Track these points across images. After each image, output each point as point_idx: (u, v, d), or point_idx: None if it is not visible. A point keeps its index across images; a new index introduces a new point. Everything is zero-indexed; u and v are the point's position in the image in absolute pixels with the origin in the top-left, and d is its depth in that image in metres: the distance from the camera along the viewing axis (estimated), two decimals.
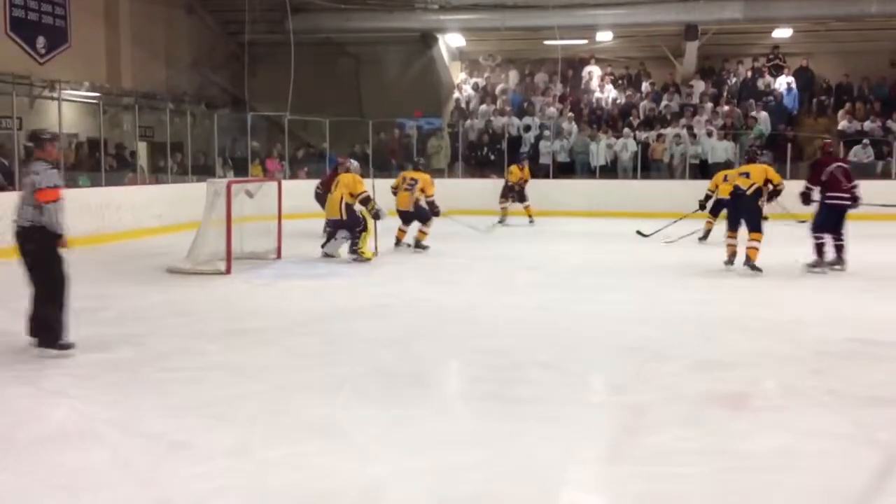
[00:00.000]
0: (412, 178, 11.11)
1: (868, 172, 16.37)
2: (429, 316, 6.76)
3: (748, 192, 8.66)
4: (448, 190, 14.02)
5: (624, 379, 4.87)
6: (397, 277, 8.85)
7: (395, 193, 11.12)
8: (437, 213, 11.06)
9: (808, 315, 6.72)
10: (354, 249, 9.69)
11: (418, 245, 10.90)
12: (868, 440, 3.79)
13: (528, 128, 19.19)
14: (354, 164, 10.34)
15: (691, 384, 4.67)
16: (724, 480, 3.31)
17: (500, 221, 14.95)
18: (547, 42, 19.59)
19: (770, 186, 8.78)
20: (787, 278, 8.54)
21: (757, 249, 8.54)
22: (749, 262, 8.55)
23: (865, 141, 17.21)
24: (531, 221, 15.21)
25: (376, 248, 9.99)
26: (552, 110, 19.58)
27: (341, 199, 9.59)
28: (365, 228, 9.71)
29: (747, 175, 8.74)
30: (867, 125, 17.94)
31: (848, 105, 18.63)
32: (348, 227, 9.70)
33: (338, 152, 15.49)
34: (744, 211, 8.71)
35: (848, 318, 6.60)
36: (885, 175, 16.93)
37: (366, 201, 9.61)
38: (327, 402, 4.30)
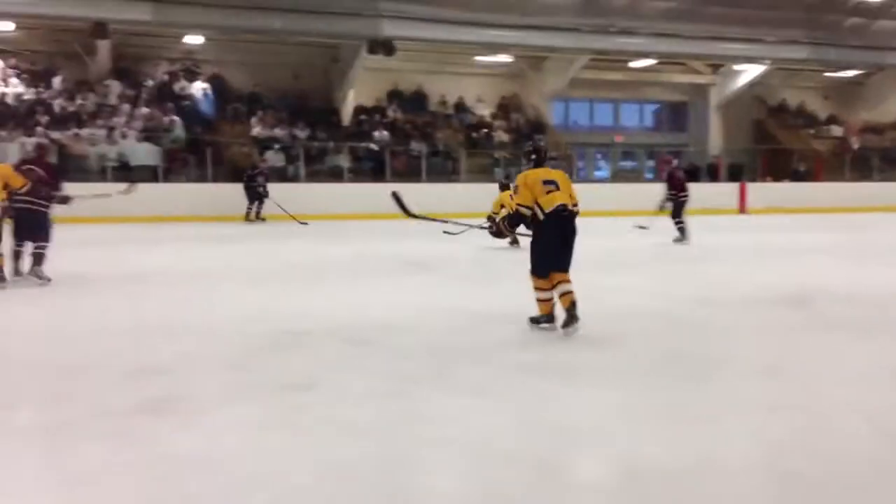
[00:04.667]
0: None
1: (281, 175, 18.99)
2: None
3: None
4: None
5: (41, 397, 4.34)
6: None
7: None
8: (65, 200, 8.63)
9: (235, 312, 6.80)
10: None
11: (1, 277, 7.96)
12: (285, 425, 3.84)
13: None
14: None
15: (117, 395, 4.31)
16: (155, 487, 3.09)
17: None
18: None
19: None
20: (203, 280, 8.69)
21: None
22: None
23: (277, 146, 19.62)
24: None
25: None
26: None
27: None
28: None
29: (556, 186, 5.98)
30: (277, 132, 20.19)
31: (260, 113, 20.46)
32: None
33: None
34: None
35: (270, 312, 6.75)
36: (295, 178, 19.29)
37: None
38: None
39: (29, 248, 8.34)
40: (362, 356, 5.31)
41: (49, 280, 8.23)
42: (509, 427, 3.83)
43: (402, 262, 10.22)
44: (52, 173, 8.66)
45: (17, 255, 8.38)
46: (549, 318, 5.99)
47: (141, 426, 3.80)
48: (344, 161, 20.12)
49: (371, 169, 20.14)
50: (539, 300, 5.96)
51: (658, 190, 13.39)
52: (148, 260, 10.25)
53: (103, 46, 19.19)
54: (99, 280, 8.65)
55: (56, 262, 8.53)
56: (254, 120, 20.19)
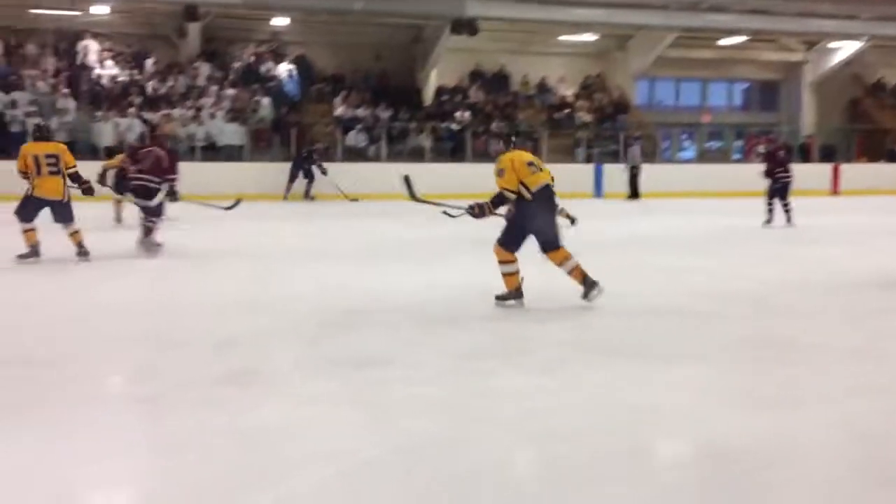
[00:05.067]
0: (50, 154, 8.09)
1: (363, 155, 19.28)
2: None
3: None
4: None
5: (136, 368, 4.56)
6: None
7: (26, 177, 8.05)
8: (90, 191, 8.55)
9: (312, 288, 6.91)
10: None
11: (83, 251, 8.16)
12: (358, 400, 3.92)
13: (15, 103, 17.46)
14: None
15: (203, 367, 4.48)
16: (238, 455, 3.18)
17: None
18: (34, 11, 18.65)
19: None
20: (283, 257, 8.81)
21: None
22: None
23: (359, 126, 19.68)
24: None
25: None
26: (44, 85, 18.16)
27: None
28: None
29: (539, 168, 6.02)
30: (360, 112, 20.18)
31: (343, 93, 20.57)
32: None
33: None
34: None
35: (346, 289, 6.88)
36: (377, 158, 19.17)
37: None
38: None
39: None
40: (435, 334, 5.34)
41: (159, 246, 8.77)
42: (581, 406, 3.81)
43: (477, 242, 10.21)
44: (169, 157, 9.21)
45: (147, 230, 8.92)
46: (517, 293, 5.97)
47: (226, 397, 3.91)
48: (425, 141, 20.19)
49: (451, 149, 20.18)
50: (506, 274, 5.95)
51: (748, 171, 13.05)
52: (231, 237, 10.49)
53: (193, 29, 19.60)
54: (184, 256, 8.92)
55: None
56: (337, 100, 20.41)
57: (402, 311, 5.98)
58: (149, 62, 19.77)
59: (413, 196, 7.60)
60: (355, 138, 19.53)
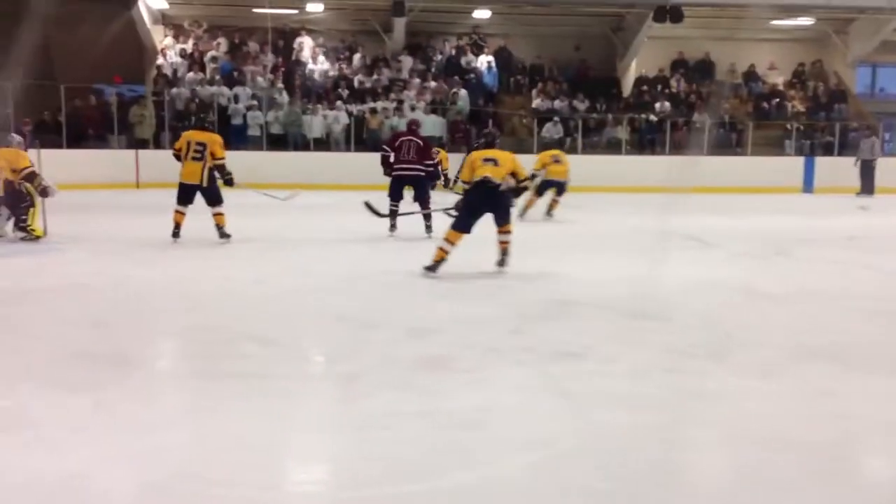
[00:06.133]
0: (199, 142, 8.70)
1: (558, 147, 17.66)
2: (135, 293, 6.27)
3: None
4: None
5: (338, 348, 4.78)
6: (97, 254, 8.15)
7: (179, 159, 8.79)
8: (230, 182, 8.86)
9: (512, 278, 6.88)
10: (23, 227, 8.79)
11: (222, 233, 8.75)
12: (556, 391, 3.95)
13: (237, 98, 18.63)
14: (17, 138, 9.30)
15: (403, 350, 4.64)
16: (435, 438, 3.28)
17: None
18: (256, 10, 19.54)
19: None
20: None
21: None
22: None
23: (556, 118, 19.28)
24: None
25: (45, 226, 8.99)
26: (263, 80, 19.20)
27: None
28: (32, 205, 8.78)
29: (495, 163, 7.08)
30: (557, 104, 20.03)
31: (540, 85, 20.52)
32: (9, 204, 8.82)
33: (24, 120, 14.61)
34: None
35: (545, 279, 6.96)
36: (572, 150, 17.57)
37: (30, 178, 8.69)
38: (9, 391, 3.83)
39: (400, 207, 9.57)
40: (635, 328, 5.27)
41: (431, 234, 9.23)
42: (789, 412, 3.63)
43: (678, 237, 9.90)
44: (424, 145, 9.69)
45: (392, 214, 9.53)
46: (436, 266, 6.80)
47: (422, 380, 4.06)
48: (622, 133, 19.77)
49: (650, 141, 19.65)
50: (440, 248, 6.86)
51: None
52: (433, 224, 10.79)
53: (399, 24, 20.15)
54: (384, 240, 9.30)
55: (352, 225, 9.49)
56: (534, 91, 20.39)
57: (607, 304, 5.94)
58: (356, 56, 20.62)
59: (379, 214, 8.80)
60: (551, 130, 19.42)
